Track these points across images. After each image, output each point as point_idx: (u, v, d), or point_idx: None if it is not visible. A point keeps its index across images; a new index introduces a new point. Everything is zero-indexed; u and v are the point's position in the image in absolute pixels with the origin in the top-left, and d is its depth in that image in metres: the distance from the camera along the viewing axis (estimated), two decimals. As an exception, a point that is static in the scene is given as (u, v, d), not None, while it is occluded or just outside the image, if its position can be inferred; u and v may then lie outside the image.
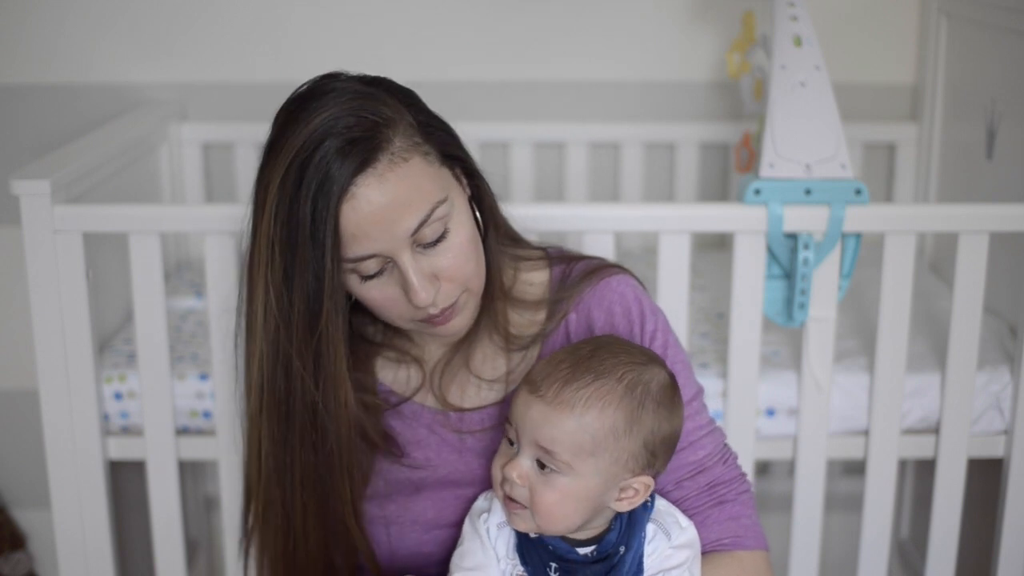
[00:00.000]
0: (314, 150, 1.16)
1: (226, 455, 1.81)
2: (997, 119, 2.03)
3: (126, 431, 1.86)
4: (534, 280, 1.39)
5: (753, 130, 1.94)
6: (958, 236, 1.74)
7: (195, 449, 1.85)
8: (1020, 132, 1.96)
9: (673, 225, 1.73)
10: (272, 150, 1.21)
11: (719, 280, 2.11)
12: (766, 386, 1.83)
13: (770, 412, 1.84)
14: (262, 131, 1.26)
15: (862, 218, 1.72)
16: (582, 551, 1.22)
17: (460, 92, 2.40)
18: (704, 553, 1.29)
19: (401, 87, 1.27)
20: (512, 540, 1.24)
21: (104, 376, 1.84)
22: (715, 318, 2.06)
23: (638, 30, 2.39)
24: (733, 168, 2.35)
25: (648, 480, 1.21)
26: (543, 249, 1.42)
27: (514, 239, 1.40)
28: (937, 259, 2.32)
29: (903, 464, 2.40)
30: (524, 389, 1.21)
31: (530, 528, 1.21)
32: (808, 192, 1.71)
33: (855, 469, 2.45)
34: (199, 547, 2.47)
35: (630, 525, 1.23)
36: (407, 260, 1.21)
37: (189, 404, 1.85)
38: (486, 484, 1.30)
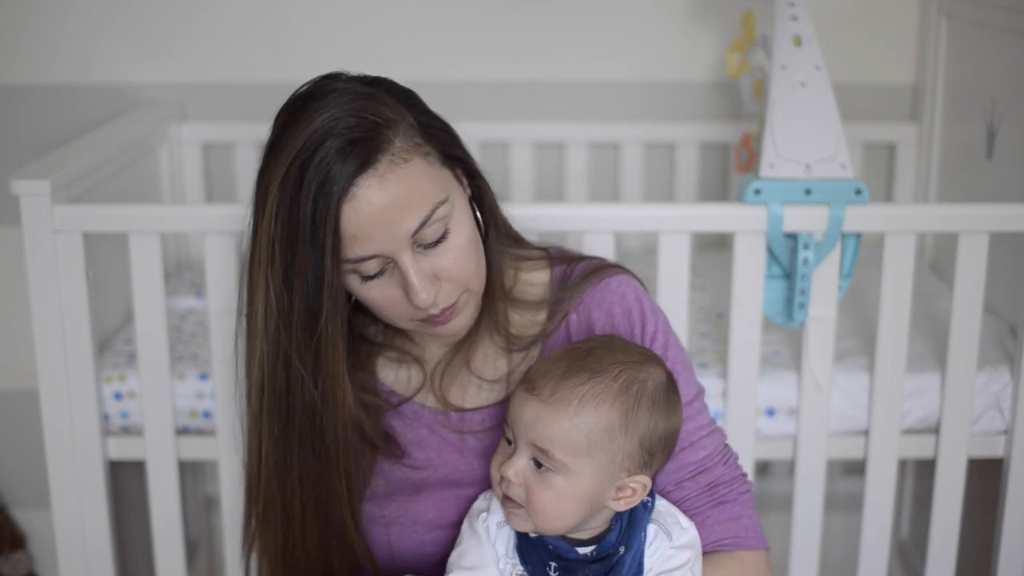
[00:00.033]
0: (315, 151, 1.16)
1: (226, 455, 1.81)
2: (997, 119, 2.03)
3: (126, 431, 1.86)
4: (535, 280, 1.38)
5: (753, 130, 1.94)
6: (958, 236, 1.74)
7: (195, 449, 1.85)
8: (1020, 132, 1.96)
9: (673, 225, 1.73)
10: (273, 150, 1.21)
11: (719, 280, 2.11)
12: (766, 386, 1.83)
13: (770, 412, 1.84)
14: (262, 131, 1.26)
15: (862, 218, 1.72)
16: (582, 551, 1.22)
17: (460, 92, 2.40)
18: (705, 553, 1.29)
19: (402, 87, 1.26)
20: (512, 539, 1.24)
21: (104, 376, 1.84)
22: (715, 318, 2.06)
23: (638, 30, 2.39)
24: (733, 168, 2.35)
25: (645, 480, 1.21)
26: (544, 249, 1.42)
27: (515, 239, 1.40)
28: (937, 259, 2.32)
29: (903, 464, 2.40)
30: (521, 388, 1.21)
31: (528, 528, 1.21)
32: (808, 192, 1.71)
33: (855, 469, 2.44)
34: (199, 547, 2.46)
35: (630, 525, 1.23)
36: (408, 261, 1.21)
37: (189, 404, 1.85)
38: (487, 484, 1.30)
